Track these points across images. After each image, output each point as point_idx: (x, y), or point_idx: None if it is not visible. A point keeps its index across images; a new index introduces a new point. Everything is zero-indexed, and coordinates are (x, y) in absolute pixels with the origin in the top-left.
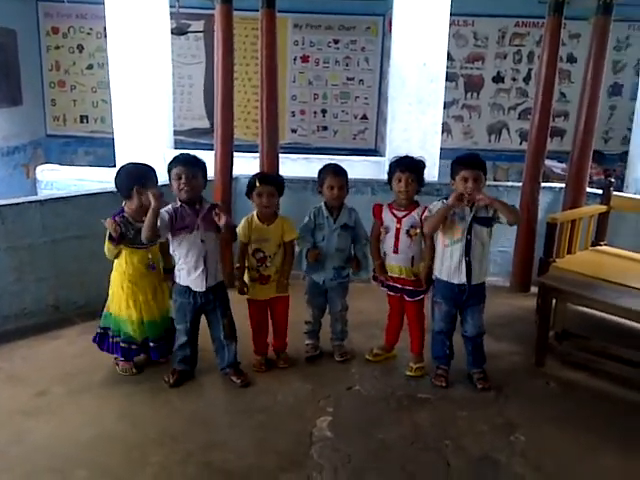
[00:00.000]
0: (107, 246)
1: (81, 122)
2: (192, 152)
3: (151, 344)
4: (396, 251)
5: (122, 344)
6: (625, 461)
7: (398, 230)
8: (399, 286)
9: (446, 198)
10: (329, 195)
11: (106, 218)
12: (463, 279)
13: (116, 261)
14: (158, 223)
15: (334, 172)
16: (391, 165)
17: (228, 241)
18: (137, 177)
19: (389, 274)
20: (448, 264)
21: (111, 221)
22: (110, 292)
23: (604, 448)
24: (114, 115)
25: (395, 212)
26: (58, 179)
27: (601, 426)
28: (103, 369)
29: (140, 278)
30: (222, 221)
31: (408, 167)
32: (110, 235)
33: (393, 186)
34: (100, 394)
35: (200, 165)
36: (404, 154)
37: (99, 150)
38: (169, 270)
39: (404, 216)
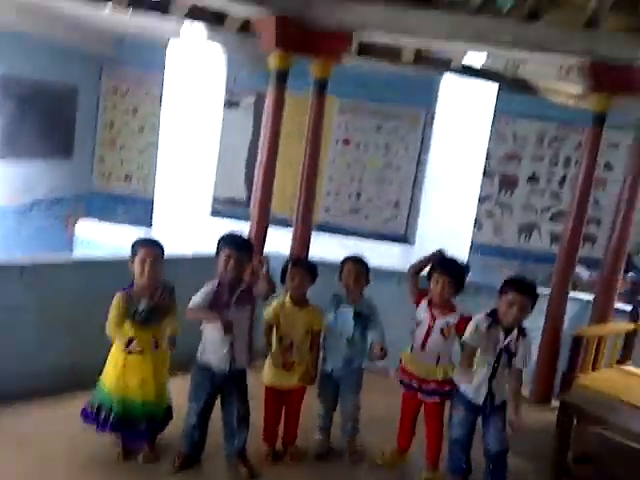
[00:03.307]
0: (112, 329)
1: (125, 181)
2: (231, 223)
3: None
4: (423, 347)
5: (112, 419)
6: None
7: (430, 328)
8: (416, 385)
9: (490, 313)
10: (345, 281)
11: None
12: (481, 401)
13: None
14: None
15: (352, 261)
16: (434, 264)
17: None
18: (136, 246)
19: (410, 370)
20: (470, 381)
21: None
22: (106, 367)
23: None
24: (158, 178)
25: (432, 309)
26: (95, 237)
27: None
28: (110, 444)
29: (141, 358)
30: (264, 269)
31: (449, 270)
32: (128, 342)
33: (431, 285)
34: (102, 473)
35: (250, 249)
36: (449, 254)
37: (137, 210)
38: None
39: (439, 316)
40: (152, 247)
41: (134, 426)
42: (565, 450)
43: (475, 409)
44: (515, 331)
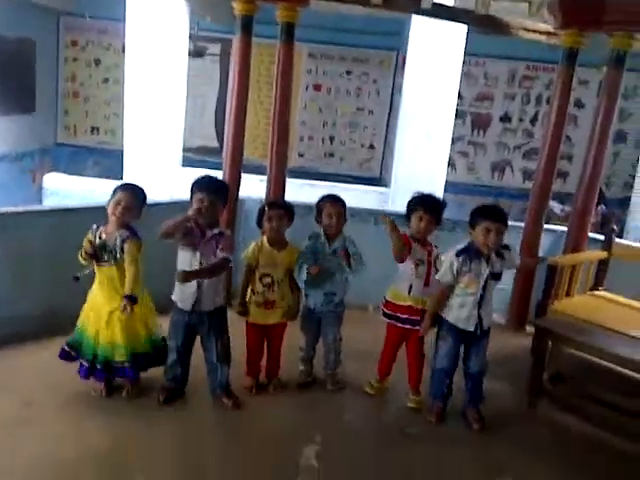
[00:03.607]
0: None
1: (91, 133)
2: (202, 173)
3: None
4: (427, 284)
5: (81, 360)
6: None
7: (430, 263)
8: (417, 318)
9: (464, 249)
10: (326, 222)
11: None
12: (471, 328)
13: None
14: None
15: (331, 200)
16: (413, 201)
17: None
18: (116, 189)
19: (414, 306)
20: (457, 312)
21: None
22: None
23: None
24: (125, 129)
25: (424, 246)
26: (64, 187)
27: (590, 473)
28: (93, 383)
29: (101, 297)
30: (220, 253)
31: (429, 207)
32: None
33: (412, 222)
34: (86, 408)
35: (223, 192)
36: (426, 191)
37: (107, 161)
38: (133, 298)
39: (431, 250)
40: (128, 192)
41: (87, 360)
42: (540, 371)
43: (463, 337)
44: (493, 254)
